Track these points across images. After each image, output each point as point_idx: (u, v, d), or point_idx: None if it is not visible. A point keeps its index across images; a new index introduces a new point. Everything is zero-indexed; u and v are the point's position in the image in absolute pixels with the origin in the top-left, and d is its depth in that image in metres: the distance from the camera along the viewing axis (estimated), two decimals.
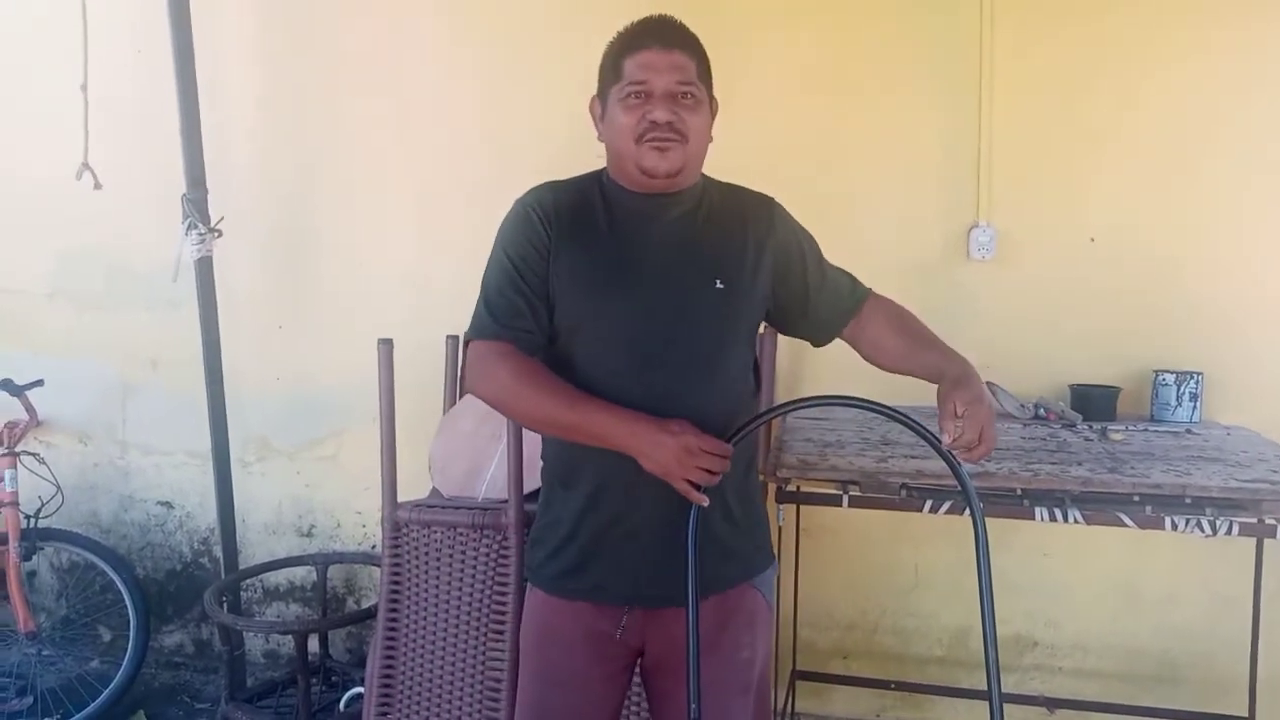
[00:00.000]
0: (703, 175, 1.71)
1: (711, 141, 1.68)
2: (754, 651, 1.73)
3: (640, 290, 1.61)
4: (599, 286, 1.62)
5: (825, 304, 1.79)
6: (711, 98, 1.66)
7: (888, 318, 1.80)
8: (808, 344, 1.86)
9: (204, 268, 3.20)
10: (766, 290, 1.72)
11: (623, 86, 1.58)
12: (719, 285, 1.64)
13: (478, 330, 1.64)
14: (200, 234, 3.16)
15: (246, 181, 3.42)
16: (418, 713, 2.59)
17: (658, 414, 1.53)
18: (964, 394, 1.57)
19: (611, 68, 1.62)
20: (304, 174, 3.43)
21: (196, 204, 3.16)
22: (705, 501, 1.52)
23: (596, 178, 1.72)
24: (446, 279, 3.26)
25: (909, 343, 1.77)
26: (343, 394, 3.42)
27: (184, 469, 3.61)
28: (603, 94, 1.65)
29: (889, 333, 1.79)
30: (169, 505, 3.65)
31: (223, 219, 3.21)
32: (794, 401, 1.66)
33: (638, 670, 1.78)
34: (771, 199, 1.78)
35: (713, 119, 1.67)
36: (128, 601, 3.30)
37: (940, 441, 1.54)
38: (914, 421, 1.56)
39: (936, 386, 1.63)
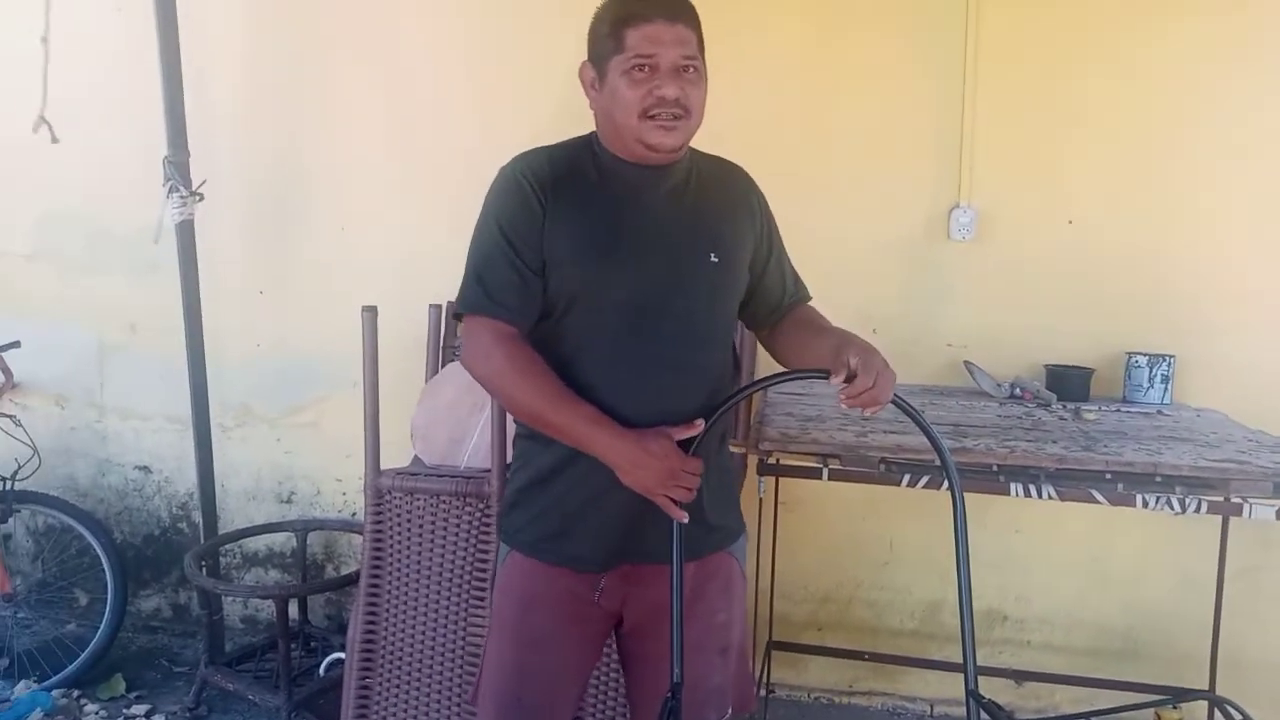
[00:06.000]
0: None
1: None
2: (730, 615, 1.76)
3: (638, 261, 1.60)
4: (596, 255, 1.59)
5: (764, 295, 1.78)
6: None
7: (800, 320, 1.78)
8: None
9: (185, 231, 3.17)
10: (746, 265, 1.73)
11: (627, 58, 1.53)
12: (714, 259, 1.64)
13: (471, 304, 1.60)
14: (182, 197, 3.13)
15: (230, 145, 3.39)
16: (399, 678, 2.62)
17: (646, 383, 1.56)
18: (852, 347, 1.53)
19: (611, 36, 1.56)
20: (288, 138, 3.40)
21: (178, 166, 3.13)
22: (685, 518, 1.54)
23: (587, 143, 1.68)
24: (431, 246, 3.24)
25: (807, 334, 1.72)
26: (324, 361, 3.41)
27: (162, 434, 3.59)
28: (599, 61, 1.59)
29: (792, 330, 1.77)
30: (147, 470, 3.64)
31: (205, 182, 3.17)
32: (754, 383, 1.71)
33: (610, 638, 1.81)
34: (748, 174, 1.78)
35: None
36: (105, 565, 3.29)
37: (828, 378, 1.52)
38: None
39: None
